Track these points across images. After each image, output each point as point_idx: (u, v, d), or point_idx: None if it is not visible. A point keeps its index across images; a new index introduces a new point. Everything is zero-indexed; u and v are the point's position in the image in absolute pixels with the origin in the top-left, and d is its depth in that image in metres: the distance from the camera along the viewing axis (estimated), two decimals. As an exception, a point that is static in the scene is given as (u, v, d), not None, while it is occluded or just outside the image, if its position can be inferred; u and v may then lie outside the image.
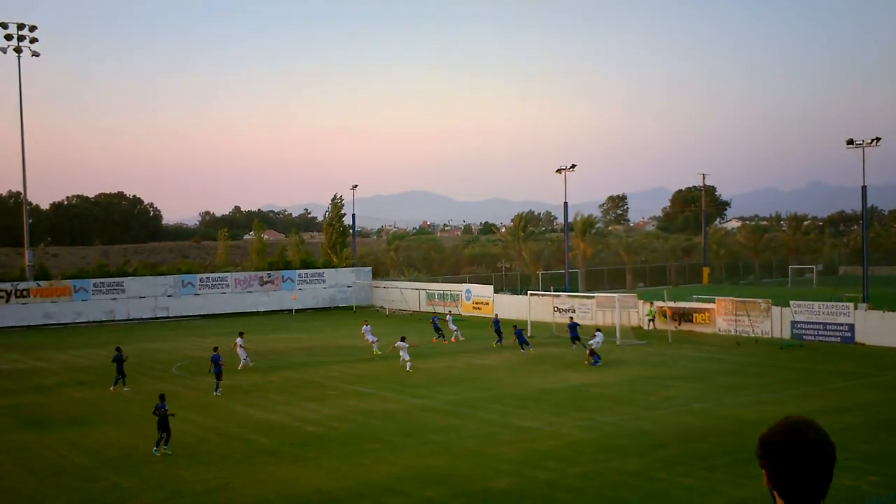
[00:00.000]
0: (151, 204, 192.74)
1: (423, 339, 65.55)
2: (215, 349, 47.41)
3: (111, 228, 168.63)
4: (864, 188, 71.37)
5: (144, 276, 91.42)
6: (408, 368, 51.62)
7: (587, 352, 53.35)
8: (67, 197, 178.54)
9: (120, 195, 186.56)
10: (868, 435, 33.08)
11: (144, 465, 30.67)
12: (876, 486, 25.62)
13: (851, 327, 58.55)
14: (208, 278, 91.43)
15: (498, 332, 61.97)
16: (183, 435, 35.40)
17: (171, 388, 46.53)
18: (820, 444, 4.48)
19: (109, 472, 29.86)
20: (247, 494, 26.83)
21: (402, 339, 53.58)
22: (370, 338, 59.11)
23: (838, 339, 58.78)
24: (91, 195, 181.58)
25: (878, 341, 57.01)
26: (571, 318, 64.20)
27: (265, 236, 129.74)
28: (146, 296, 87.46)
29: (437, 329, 64.62)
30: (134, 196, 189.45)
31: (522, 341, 58.67)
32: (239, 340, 54.38)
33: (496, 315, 67.05)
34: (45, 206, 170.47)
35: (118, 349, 48.32)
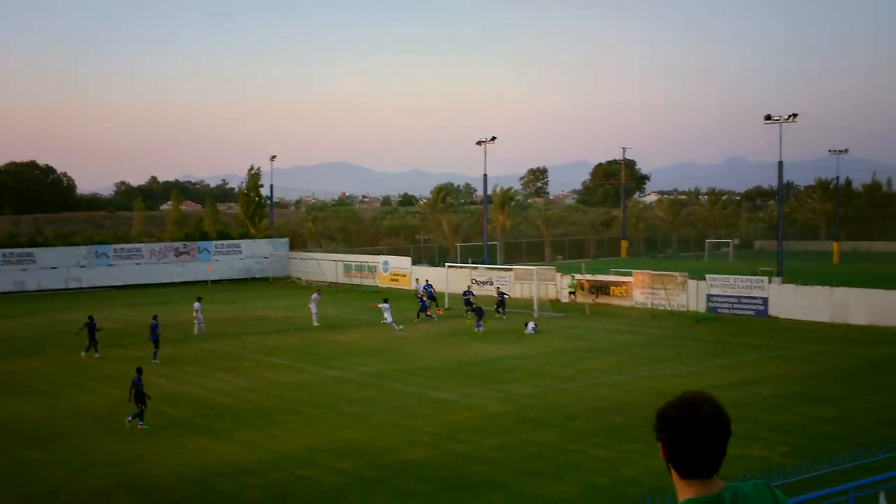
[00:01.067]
0: (65, 173, 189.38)
1: (339, 311, 65.27)
2: (154, 317, 47.33)
3: (22, 198, 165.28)
4: (780, 164, 72.10)
5: (57, 246, 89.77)
6: (397, 328, 54.93)
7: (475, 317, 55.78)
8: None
9: (32, 164, 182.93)
10: (779, 406, 33.51)
11: (54, 438, 30.10)
12: (786, 457, 25.90)
13: (765, 301, 59.25)
14: (123, 249, 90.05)
15: (431, 298, 62.71)
16: (94, 407, 34.89)
17: (83, 360, 45.94)
18: (715, 419, 4.42)
19: (18, 446, 29.24)
20: (159, 467, 26.44)
21: (385, 301, 56.95)
22: (314, 308, 58.82)
23: (752, 313, 59.44)
24: (1, 163, 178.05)
25: (791, 315, 57.76)
26: (499, 289, 65.23)
27: (183, 207, 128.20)
28: (58, 266, 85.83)
29: (424, 304, 61.87)
30: (47, 165, 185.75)
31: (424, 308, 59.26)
32: (197, 305, 55.19)
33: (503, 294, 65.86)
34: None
35: (90, 317, 48.06)
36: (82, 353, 47.01)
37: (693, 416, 4.39)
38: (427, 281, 67.38)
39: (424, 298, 61.81)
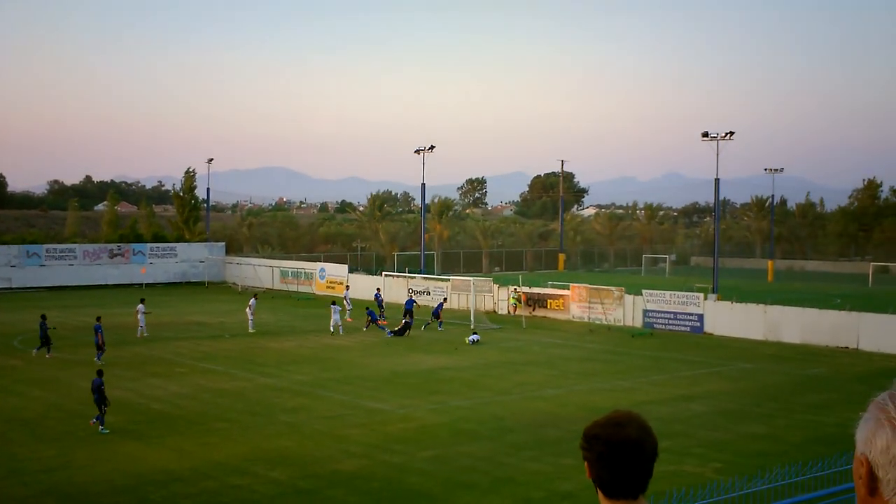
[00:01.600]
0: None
1: (275, 318, 64.88)
2: (98, 318, 47.08)
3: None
4: (717, 180, 72.73)
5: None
6: (340, 332, 56.37)
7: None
8: None
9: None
10: (713, 423, 33.69)
11: (-21, 442, 29.55)
12: (719, 473, 26.00)
13: (701, 317, 59.62)
14: (55, 249, 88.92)
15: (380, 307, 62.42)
16: (23, 411, 34.34)
17: (11, 363, 45.32)
18: (641, 441, 4.38)
19: (-59, 448, 28.69)
20: (88, 473, 26.07)
21: (333, 303, 57.77)
22: (250, 314, 58.47)
23: (688, 329, 59.80)
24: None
25: (726, 331, 58.18)
26: (445, 299, 65.63)
27: (118, 208, 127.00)
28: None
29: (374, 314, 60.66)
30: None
31: (374, 320, 58.86)
32: (140, 307, 54.84)
33: (444, 300, 65.85)
34: None
35: (43, 317, 47.63)
36: (33, 351, 46.96)
37: (619, 436, 4.37)
38: (378, 290, 66.99)
39: (374, 311, 60.91)
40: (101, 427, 30.96)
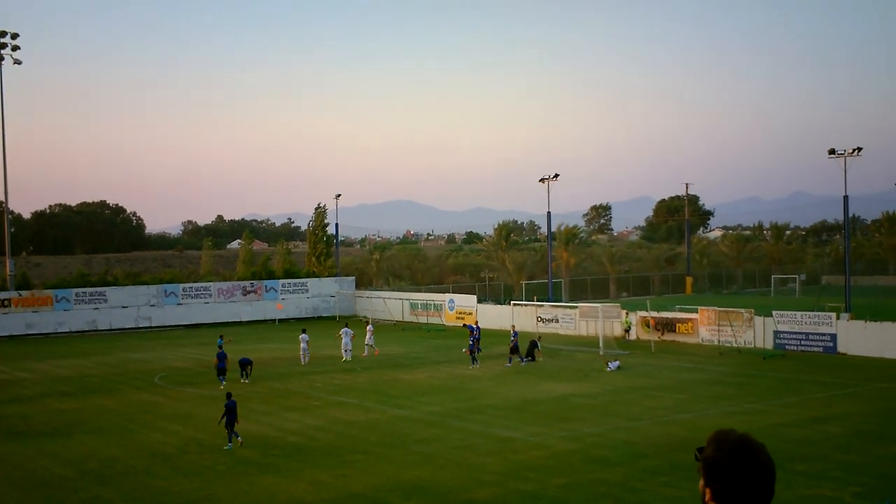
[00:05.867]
0: (134, 213, 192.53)
1: (406, 350, 65.56)
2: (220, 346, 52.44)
3: (93, 238, 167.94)
4: (846, 198, 71.61)
5: (126, 285, 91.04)
6: (347, 357, 59.52)
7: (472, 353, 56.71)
8: (49, 206, 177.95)
9: (102, 204, 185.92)
10: (849, 445, 33.12)
11: (125, 477, 30.52)
12: (857, 498, 25.65)
13: (834, 337, 58.65)
14: (191, 288, 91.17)
15: (515, 348, 58.80)
16: (164, 446, 35.31)
17: (153, 399, 46.59)
18: (769, 465, 4.49)
19: (90, 483, 29.72)
20: (228, 506, 26.72)
21: (346, 326, 60.76)
22: (346, 342, 60.18)
23: (821, 349, 58.86)
24: (73, 204, 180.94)
25: (860, 351, 57.10)
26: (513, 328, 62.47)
27: (252, 246, 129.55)
28: (128, 305, 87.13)
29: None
30: (116, 205, 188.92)
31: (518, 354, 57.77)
32: (304, 337, 59.31)
33: (538, 338, 64.42)
34: (26, 215, 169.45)
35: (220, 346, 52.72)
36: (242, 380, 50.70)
37: (750, 463, 4.44)
38: (476, 323, 65.42)
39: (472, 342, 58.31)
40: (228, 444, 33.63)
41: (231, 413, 34.36)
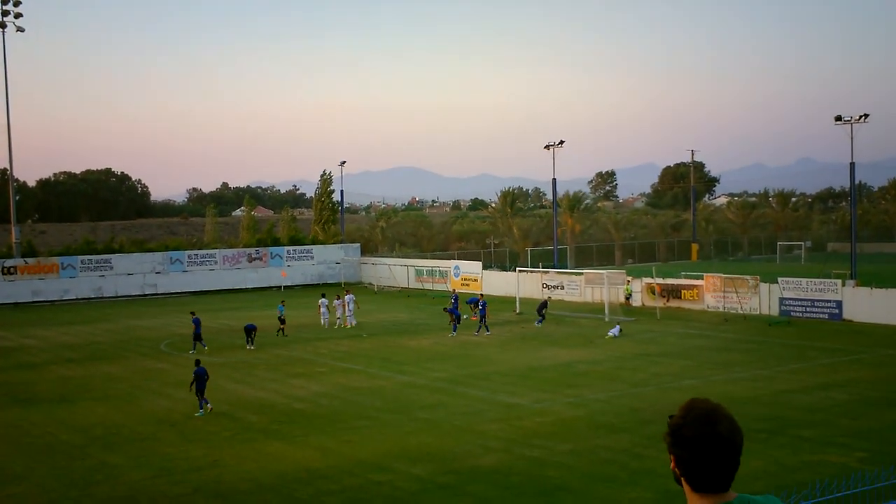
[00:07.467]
0: (139, 180, 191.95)
1: (412, 316, 65.66)
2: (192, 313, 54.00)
3: (98, 205, 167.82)
4: (852, 165, 71.33)
5: (132, 252, 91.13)
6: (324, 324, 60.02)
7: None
8: (54, 174, 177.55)
9: (108, 171, 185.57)
10: (855, 411, 33.10)
11: (132, 443, 30.64)
12: (864, 463, 25.61)
13: (839, 304, 58.57)
14: (196, 255, 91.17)
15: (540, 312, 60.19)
16: (170, 412, 35.43)
17: (159, 366, 46.77)
18: (731, 436, 4.49)
19: (97, 450, 29.83)
20: (235, 472, 26.79)
21: (323, 296, 61.32)
22: (341, 311, 61.34)
23: (826, 316, 58.81)
24: (78, 172, 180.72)
25: (866, 318, 57.02)
26: (482, 295, 63.78)
27: (255, 213, 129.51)
28: (134, 273, 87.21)
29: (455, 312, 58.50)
30: (121, 172, 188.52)
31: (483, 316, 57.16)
32: (324, 301, 60.98)
33: (548, 298, 66.13)
34: (31, 182, 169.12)
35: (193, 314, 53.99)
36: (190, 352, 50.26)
37: (709, 433, 4.47)
38: (482, 295, 65.24)
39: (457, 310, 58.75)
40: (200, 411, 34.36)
41: (200, 380, 34.64)
